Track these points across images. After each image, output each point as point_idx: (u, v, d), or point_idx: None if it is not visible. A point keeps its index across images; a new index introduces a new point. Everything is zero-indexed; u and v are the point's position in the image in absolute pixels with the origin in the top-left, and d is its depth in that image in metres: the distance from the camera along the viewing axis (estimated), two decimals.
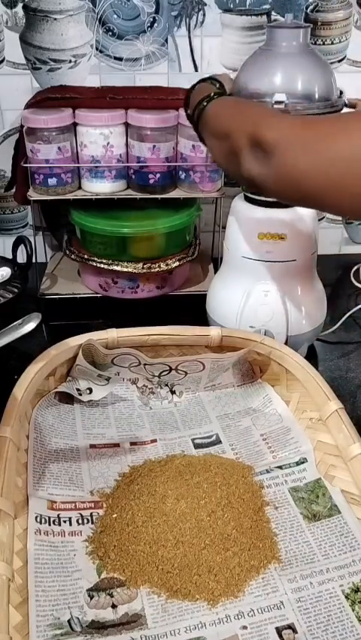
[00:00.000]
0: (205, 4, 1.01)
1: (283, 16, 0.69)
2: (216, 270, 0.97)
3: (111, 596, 0.53)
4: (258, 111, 0.62)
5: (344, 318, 0.97)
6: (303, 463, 0.67)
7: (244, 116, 0.61)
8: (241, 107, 0.66)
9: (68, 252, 1.02)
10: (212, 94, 0.68)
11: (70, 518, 0.59)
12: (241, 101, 0.69)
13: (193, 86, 0.73)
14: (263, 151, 0.54)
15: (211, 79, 0.73)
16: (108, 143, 0.93)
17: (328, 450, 0.66)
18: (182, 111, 0.92)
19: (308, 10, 1.03)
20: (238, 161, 0.58)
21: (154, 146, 0.93)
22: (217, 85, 0.71)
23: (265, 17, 1.02)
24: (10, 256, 1.01)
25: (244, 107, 0.65)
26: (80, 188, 0.98)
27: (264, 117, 0.58)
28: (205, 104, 0.67)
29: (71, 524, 0.59)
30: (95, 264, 0.98)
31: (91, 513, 0.61)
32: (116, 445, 0.70)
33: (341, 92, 0.76)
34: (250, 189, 0.61)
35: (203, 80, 0.73)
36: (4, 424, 0.61)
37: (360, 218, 0.57)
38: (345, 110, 0.75)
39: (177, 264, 0.99)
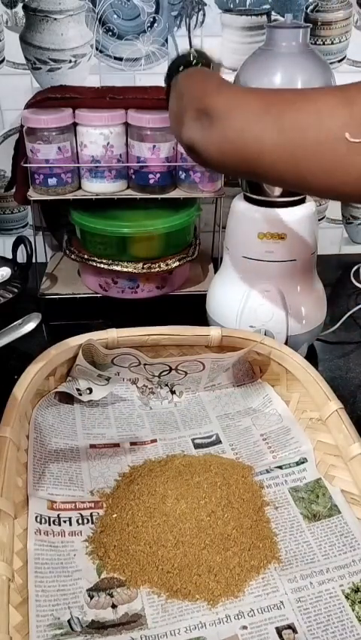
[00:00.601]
0: (205, 4, 1.01)
1: (283, 16, 0.69)
2: (216, 270, 0.97)
3: (111, 596, 0.53)
4: (214, 79, 0.59)
5: (344, 318, 0.97)
6: (303, 463, 0.67)
7: (200, 81, 0.60)
8: (203, 75, 0.64)
9: (68, 252, 1.02)
10: (194, 63, 0.67)
11: (70, 518, 0.59)
12: (207, 72, 0.67)
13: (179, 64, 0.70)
14: (209, 117, 0.52)
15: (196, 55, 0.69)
16: (108, 143, 0.93)
17: (328, 450, 0.66)
18: None
19: (308, 10, 1.03)
20: (181, 124, 0.57)
21: (154, 146, 0.93)
22: (198, 56, 0.69)
23: (265, 17, 1.02)
24: (10, 256, 1.01)
25: (205, 75, 0.64)
26: (80, 188, 0.98)
27: (217, 85, 0.56)
28: (181, 69, 0.66)
29: (71, 524, 0.59)
30: (95, 264, 0.98)
31: (91, 513, 0.61)
32: (116, 445, 0.70)
33: None
34: (189, 155, 0.58)
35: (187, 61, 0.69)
36: (4, 424, 0.61)
37: (312, 193, 0.55)
38: None
39: (177, 264, 0.99)
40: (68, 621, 0.50)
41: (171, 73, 0.69)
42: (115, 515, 0.60)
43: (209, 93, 0.54)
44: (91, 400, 0.74)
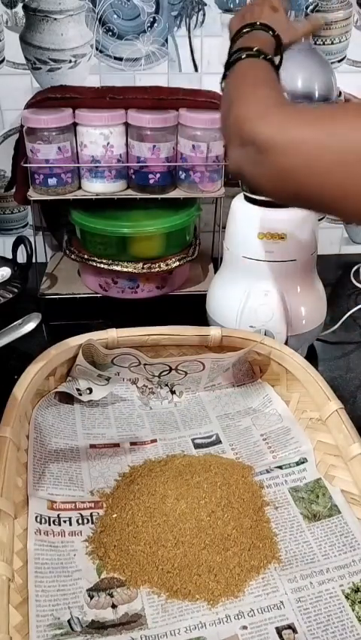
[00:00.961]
0: (205, 4, 1.01)
1: None
2: (216, 270, 0.97)
3: (111, 596, 0.53)
4: (264, 92, 0.52)
5: (344, 318, 0.97)
6: (303, 463, 0.67)
7: (246, 94, 0.53)
8: (251, 85, 0.55)
9: (68, 252, 1.02)
10: (254, 49, 0.59)
11: (70, 518, 0.59)
12: (258, 76, 0.57)
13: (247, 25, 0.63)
14: (255, 147, 0.48)
15: (268, 27, 0.63)
16: (108, 143, 0.93)
17: (328, 450, 0.66)
18: (182, 111, 0.92)
19: (308, 10, 1.03)
20: (227, 142, 0.52)
21: (154, 146, 0.93)
22: (271, 33, 0.62)
23: None
24: (10, 256, 1.01)
25: (253, 86, 0.55)
26: (80, 188, 0.98)
27: (264, 104, 0.50)
28: (242, 56, 0.59)
29: (71, 524, 0.59)
30: (95, 264, 0.98)
31: (91, 513, 0.61)
32: (116, 445, 0.70)
33: (341, 92, 0.76)
34: (238, 180, 0.55)
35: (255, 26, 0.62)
36: (4, 424, 0.61)
37: None
38: None
39: (177, 264, 0.99)
40: (68, 621, 0.50)
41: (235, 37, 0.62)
42: (115, 515, 0.60)
43: (252, 117, 0.48)
44: (91, 400, 0.74)
